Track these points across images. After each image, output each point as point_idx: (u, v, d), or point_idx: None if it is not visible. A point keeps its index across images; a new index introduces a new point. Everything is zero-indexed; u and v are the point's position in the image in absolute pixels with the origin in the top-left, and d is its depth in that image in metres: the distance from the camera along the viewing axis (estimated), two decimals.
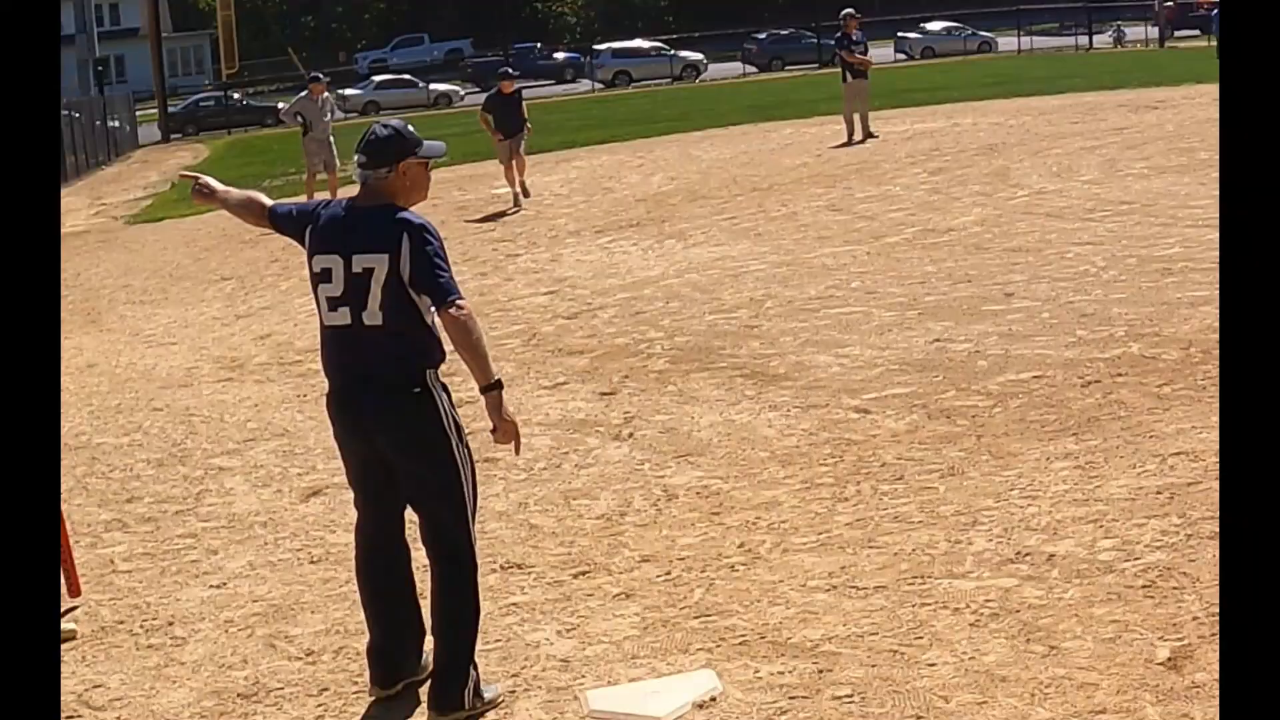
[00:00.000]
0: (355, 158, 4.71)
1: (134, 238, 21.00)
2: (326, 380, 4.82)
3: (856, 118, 23.05)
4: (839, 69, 23.78)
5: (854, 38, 23.18)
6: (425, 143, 4.75)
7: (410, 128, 4.75)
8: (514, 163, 18.89)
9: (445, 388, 4.69)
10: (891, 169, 19.02)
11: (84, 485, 7.85)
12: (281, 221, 4.97)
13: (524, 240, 15.78)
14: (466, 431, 4.72)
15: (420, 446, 4.64)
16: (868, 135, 22.85)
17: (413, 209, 4.69)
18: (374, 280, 4.54)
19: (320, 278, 4.67)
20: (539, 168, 23.84)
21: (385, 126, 4.71)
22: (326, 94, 20.20)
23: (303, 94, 20.16)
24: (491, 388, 4.55)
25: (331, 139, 19.69)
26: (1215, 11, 45.53)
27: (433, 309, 4.58)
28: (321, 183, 19.54)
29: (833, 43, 24.92)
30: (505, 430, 4.59)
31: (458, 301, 4.51)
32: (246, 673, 5.26)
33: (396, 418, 4.60)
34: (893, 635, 5.03)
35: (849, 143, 22.53)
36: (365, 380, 4.63)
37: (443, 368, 4.70)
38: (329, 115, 19.97)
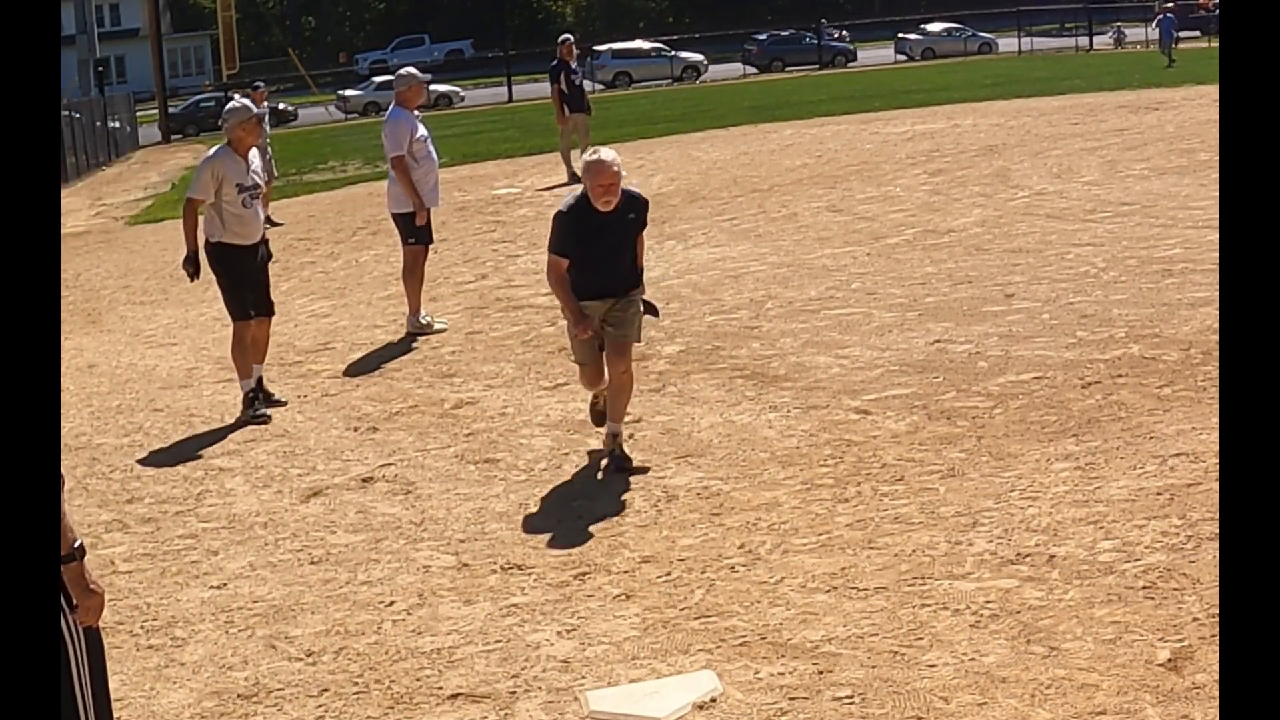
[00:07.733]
0: None
1: (134, 238, 21.00)
2: None
3: (575, 154, 19.55)
4: (553, 100, 20.83)
5: (572, 66, 20.60)
6: None
7: None
8: None
9: None
10: (892, 170, 19.01)
11: (84, 486, 7.84)
12: None
13: (524, 241, 15.77)
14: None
15: None
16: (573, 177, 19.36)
17: None
18: None
19: None
20: (539, 168, 23.86)
21: None
22: (267, 102, 20.17)
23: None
24: (68, 557, 3.54)
25: (269, 147, 19.79)
26: (1215, 13, 45.53)
27: None
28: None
29: (548, 72, 20.80)
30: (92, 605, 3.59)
31: None
32: (246, 673, 5.26)
33: None
34: (893, 636, 5.03)
35: (569, 182, 19.57)
36: None
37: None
38: (267, 123, 20.09)
